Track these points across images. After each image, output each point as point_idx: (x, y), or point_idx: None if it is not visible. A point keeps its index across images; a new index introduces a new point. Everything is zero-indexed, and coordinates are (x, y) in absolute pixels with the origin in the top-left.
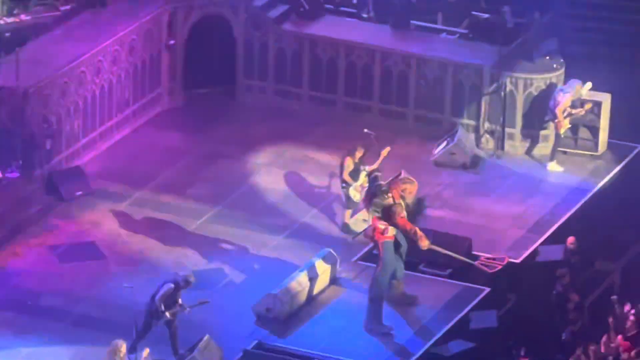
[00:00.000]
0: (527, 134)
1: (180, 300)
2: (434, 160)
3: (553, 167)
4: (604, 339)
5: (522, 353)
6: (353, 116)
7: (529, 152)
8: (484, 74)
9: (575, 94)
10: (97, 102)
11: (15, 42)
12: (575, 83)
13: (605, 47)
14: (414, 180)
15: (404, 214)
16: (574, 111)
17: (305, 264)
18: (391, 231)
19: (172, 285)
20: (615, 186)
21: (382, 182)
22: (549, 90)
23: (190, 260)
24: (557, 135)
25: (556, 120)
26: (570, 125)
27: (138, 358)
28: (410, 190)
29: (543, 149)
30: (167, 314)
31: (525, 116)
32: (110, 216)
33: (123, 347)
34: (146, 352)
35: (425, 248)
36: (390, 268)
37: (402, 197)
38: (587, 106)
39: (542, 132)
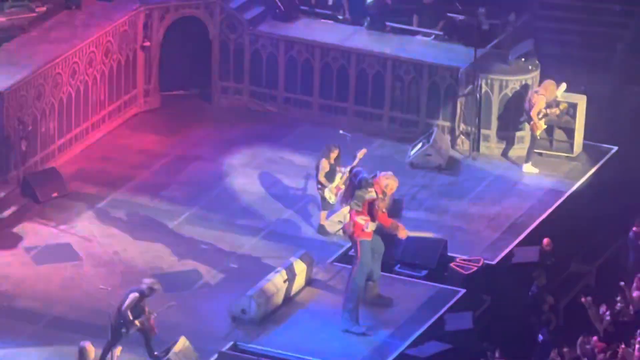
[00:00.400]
0: (502, 135)
1: (147, 308)
2: (409, 161)
3: (529, 168)
4: (580, 340)
5: (497, 355)
6: (328, 118)
7: (504, 153)
8: (460, 76)
9: (550, 95)
10: (72, 104)
11: None
12: (549, 84)
13: (581, 48)
14: (396, 178)
15: (385, 210)
16: (549, 111)
17: (281, 266)
18: (371, 226)
19: (137, 294)
20: (590, 188)
21: (367, 176)
22: (524, 92)
23: (165, 262)
24: (533, 137)
25: (532, 122)
26: (546, 126)
27: (112, 357)
28: (392, 187)
29: (519, 150)
30: (136, 322)
31: (500, 118)
32: (85, 218)
33: (91, 350)
34: (118, 350)
35: (405, 237)
36: (366, 269)
37: (384, 193)
38: (563, 106)
39: (518, 134)
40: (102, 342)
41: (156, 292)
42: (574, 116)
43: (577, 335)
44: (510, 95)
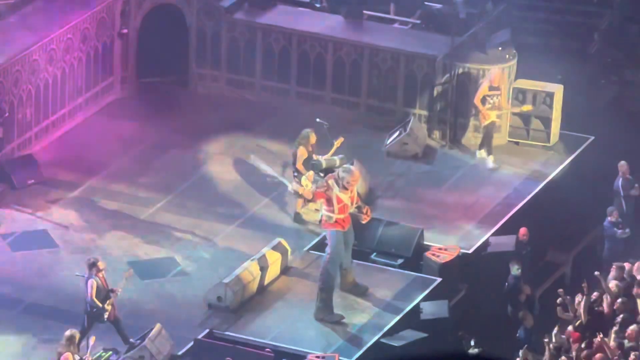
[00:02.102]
0: (478, 124)
1: (109, 287)
2: (386, 150)
3: (481, 154)
4: (555, 330)
5: (472, 343)
6: (305, 105)
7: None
8: (437, 65)
9: (495, 81)
10: (49, 91)
11: None
12: (495, 70)
13: (557, 37)
14: (353, 170)
15: (326, 190)
16: (496, 101)
17: (257, 254)
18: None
19: (93, 280)
20: (567, 177)
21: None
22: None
23: (141, 249)
24: (485, 128)
25: (480, 113)
26: (497, 119)
27: (87, 346)
28: (349, 180)
29: (497, 139)
30: (106, 306)
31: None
32: (62, 204)
33: (77, 336)
34: (92, 339)
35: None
36: (338, 258)
37: (336, 182)
38: (526, 108)
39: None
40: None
41: (99, 264)
42: (550, 105)
43: (553, 325)
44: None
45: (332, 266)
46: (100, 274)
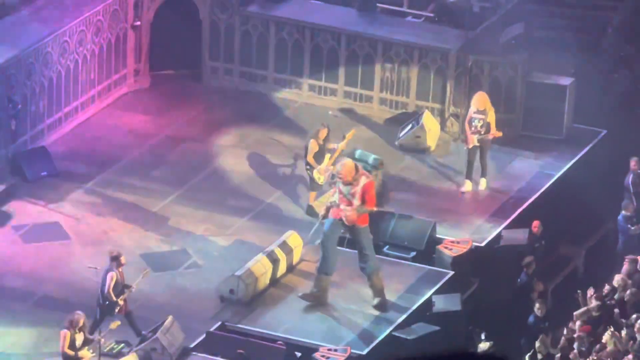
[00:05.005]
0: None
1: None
2: (399, 143)
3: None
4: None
5: (483, 337)
6: (318, 99)
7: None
8: (450, 58)
9: (479, 105)
10: (62, 83)
11: None
12: (478, 95)
13: (570, 32)
14: (344, 163)
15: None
16: (479, 127)
17: (269, 246)
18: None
19: (113, 273)
20: (579, 171)
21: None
22: (515, 74)
23: (153, 242)
24: (468, 151)
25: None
26: (478, 144)
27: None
28: (341, 172)
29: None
30: (119, 300)
31: (490, 100)
32: (74, 197)
33: (81, 320)
34: (116, 323)
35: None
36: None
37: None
38: (496, 134)
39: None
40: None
41: (121, 259)
42: (563, 99)
43: (565, 319)
44: (500, 77)
45: (321, 248)
46: (120, 269)
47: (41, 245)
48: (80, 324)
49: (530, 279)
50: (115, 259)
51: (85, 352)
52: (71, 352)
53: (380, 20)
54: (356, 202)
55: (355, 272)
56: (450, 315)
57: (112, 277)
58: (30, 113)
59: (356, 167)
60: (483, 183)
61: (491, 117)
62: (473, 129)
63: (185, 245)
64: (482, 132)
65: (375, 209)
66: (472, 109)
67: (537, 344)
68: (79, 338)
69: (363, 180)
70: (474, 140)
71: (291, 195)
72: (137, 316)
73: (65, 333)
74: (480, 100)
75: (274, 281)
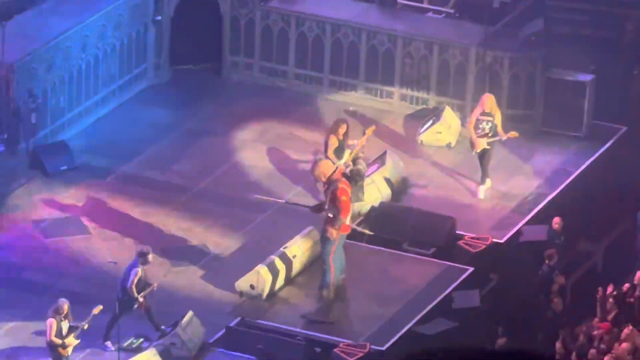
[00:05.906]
0: (511, 113)
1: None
2: (419, 138)
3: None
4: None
5: (500, 332)
6: (338, 94)
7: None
8: (470, 53)
9: (488, 108)
10: (82, 77)
11: (1, 15)
12: (486, 97)
13: (591, 27)
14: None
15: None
16: (486, 129)
17: (289, 242)
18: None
19: (138, 269)
20: (599, 167)
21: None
22: (534, 69)
23: (174, 236)
24: (477, 155)
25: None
26: (488, 147)
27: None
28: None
29: (528, 127)
30: (140, 297)
31: (509, 96)
32: (94, 191)
33: (66, 307)
34: (98, 308)
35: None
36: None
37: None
38: (512, 134)
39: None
40: (108, 315)
41: (149, 256)
42: (583, 95)
43: (583, 315)
44: (519, 73)
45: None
46: (145, 266)
47: (61, 240)
48: (65, 311)
49: (552, 270)
50: (143, 256)
51: (71, 340)
52: (58, 341)
53: (401, 16)
54: (326, 207)
55: (374, 267)
56: (469, 311)
57: (136, 274)
58: (50, 107)
59: (335, 169)
60: (482, 191)
61: (498, 119)
62: (480, 131)
63: (205, 240)
64: (490, 135)
65: (347, 221)
66: (478, 110)
67: (558, 344)
68: (65, 326)
69: (334, 185)
70: (482, 144)
71: (311, 191)
72: (157, 311)
73: (52, 321)
74: (487, 102)
75: (294, 277)
